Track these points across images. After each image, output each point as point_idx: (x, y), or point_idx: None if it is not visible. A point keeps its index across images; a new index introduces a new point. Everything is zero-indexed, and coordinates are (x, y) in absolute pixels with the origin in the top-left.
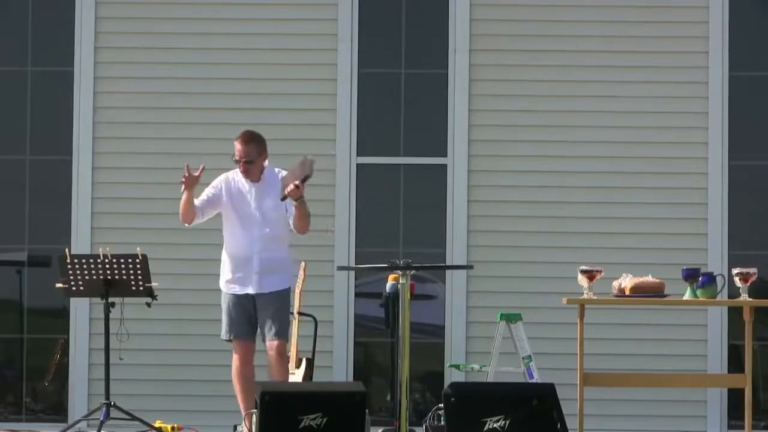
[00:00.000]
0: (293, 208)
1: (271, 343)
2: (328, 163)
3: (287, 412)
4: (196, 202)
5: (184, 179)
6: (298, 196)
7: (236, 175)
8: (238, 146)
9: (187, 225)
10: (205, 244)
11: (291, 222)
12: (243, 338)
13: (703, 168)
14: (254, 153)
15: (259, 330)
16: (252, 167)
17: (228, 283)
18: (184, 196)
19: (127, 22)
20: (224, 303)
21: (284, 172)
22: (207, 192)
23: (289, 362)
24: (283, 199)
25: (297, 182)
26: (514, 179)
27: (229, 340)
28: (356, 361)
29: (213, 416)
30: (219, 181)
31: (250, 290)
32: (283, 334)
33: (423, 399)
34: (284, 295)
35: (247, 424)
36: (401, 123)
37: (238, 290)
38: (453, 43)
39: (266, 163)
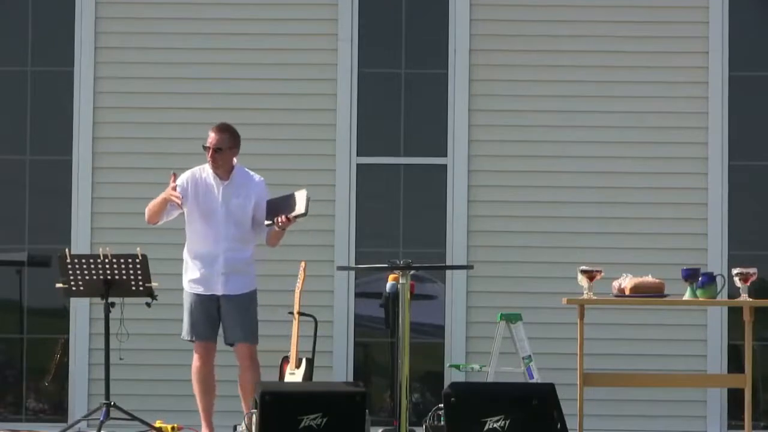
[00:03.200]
0: (271, 230)
1: (242, 348)
2: (328, 163)
3: (287, 412)
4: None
5: (173, 187)
6: (286, 227)
7: (203, 172)
8: (210, 134)
9: (152, 225)
10: None
11: (263, 236)
12: (205, 340)
13: (703, 168)
14: (225, 143)
15: (223, 332)
16: (219, 157)
17: (192, 282)
18: (160, 198)
19: (127, 22)
20: (186, 302)
21: (257, 177)
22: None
23: (259, 365)
24: (270, 225)
25: (291, 216)
26: (514, 179)
27: (191, 341)
28: (356, 361)
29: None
30: (184, 179)
31: (217, 291)
32: (253, 339)
33: (423, 399)
34: (251, 298)
35: (247, 423)
36: (401, 123)
37: (203, 290)
38: (453, 43)
39: (236, 161)
